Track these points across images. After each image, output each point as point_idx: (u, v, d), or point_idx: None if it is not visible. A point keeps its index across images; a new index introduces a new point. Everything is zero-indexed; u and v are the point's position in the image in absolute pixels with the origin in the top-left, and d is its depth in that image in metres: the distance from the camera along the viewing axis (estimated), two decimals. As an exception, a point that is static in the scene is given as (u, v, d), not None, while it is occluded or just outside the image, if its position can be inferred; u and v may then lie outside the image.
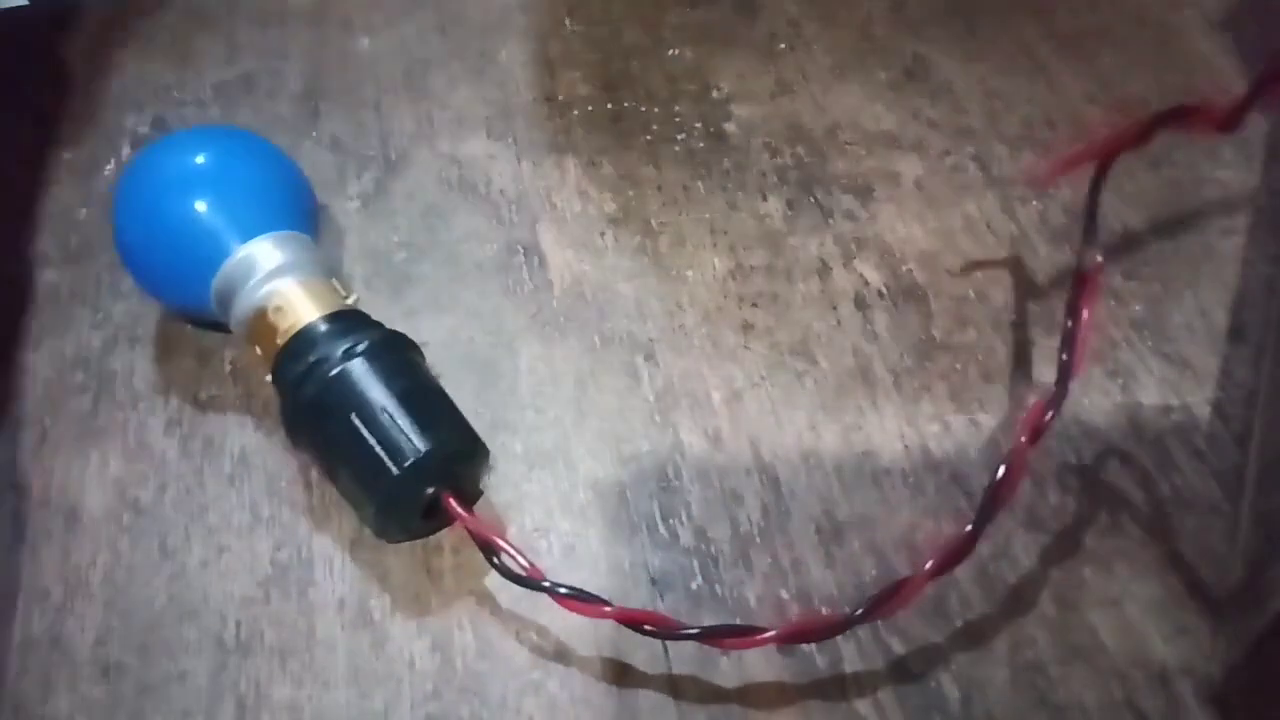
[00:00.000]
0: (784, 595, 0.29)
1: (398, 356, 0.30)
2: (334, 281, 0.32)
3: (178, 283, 0.32)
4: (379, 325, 0.31)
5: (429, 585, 0.29)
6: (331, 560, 0.30)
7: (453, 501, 0.28)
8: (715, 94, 0.41)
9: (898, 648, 0.28)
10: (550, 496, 0.31)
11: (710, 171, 0.39)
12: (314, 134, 0.40)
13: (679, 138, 0.40)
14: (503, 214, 0.38)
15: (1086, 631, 0.28)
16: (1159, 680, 0.27)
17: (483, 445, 0.30)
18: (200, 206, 0.32)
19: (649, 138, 0.40)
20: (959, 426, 0.32)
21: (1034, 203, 0.37)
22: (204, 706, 0.27)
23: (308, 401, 0.29)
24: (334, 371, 0.29)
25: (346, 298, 0.32)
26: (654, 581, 0.29)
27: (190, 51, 0.43)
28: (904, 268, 0.36)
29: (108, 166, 0.40)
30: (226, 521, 0.30)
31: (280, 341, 0.30)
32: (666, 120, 0.41)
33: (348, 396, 0.29)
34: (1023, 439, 0.27)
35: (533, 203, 0.38)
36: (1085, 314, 0.30)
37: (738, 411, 0.32)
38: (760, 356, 0.34)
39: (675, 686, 0.27)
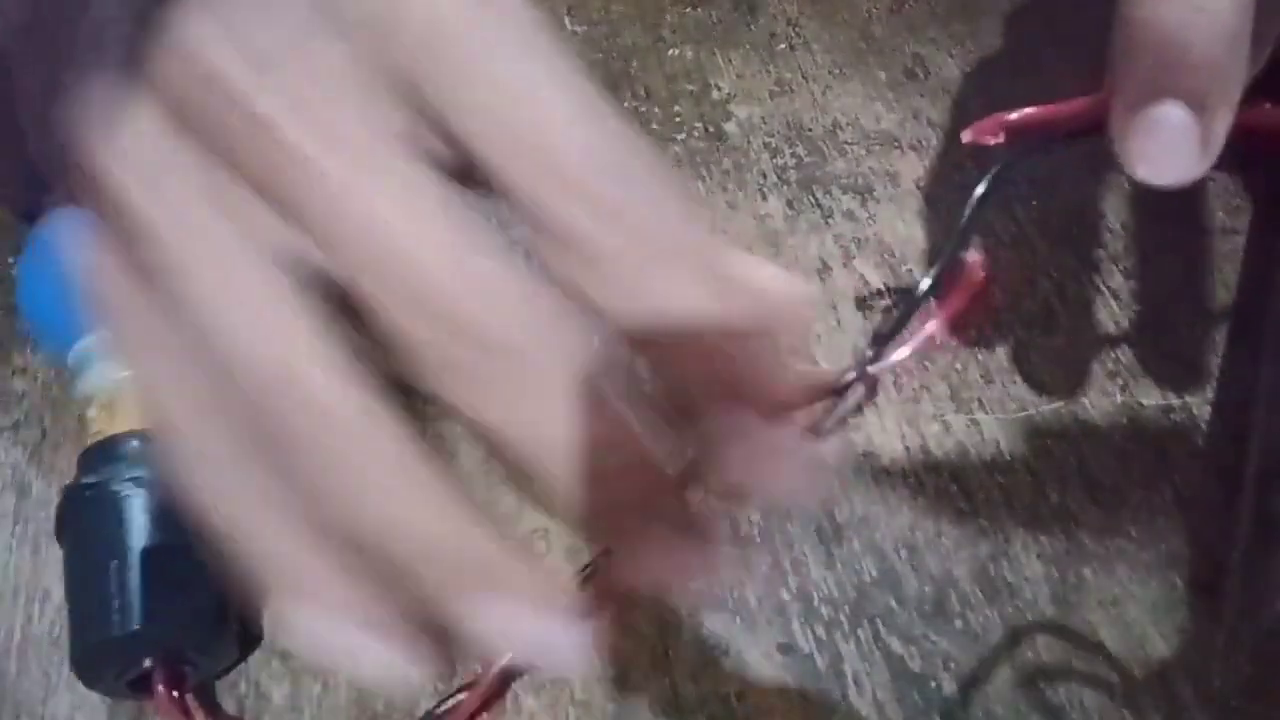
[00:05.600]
0: (784, 595, 0.29)
1: (169, 502, 0.27)
2: None
3: (50, 336, 0.31)
4: None
5: (429, 585, 0.29)
6: (331, 560, 0.30)
7: (160, 685, 0.25)
8: (715, 94, 0.41)
9: (898, 648, 0.28)
10: (550, 496, 0.31)
11: (710, 171, 0.39)
12: (314, 134, 0.40)
13: (679, 138, 0.40)
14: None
15: (1086, 631, 0.28)
16: (1159, 680, 0.27)
17: (221, 629, 0.27)
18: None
19: (649, 138, 0.40)
20: (959, 426, 0.32)
21: (1034, 202, 0.37)
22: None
23: (67, 511, 0.27)
24: (97, 494, 0.27)
25: None
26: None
27: (190, 51, 0.43)
28: (904, 268, 0.36)
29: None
30: (226, 521, 0.30)
31: (88, 441, 0.28)
32: (666, 120, 0.40)
33: (95, 526, 0.26)
34: None
35: (533, 203, 0.38)
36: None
37: (738, 411, 0.32)
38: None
39: (675, 686, 0.27)
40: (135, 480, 0.27)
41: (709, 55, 0.43)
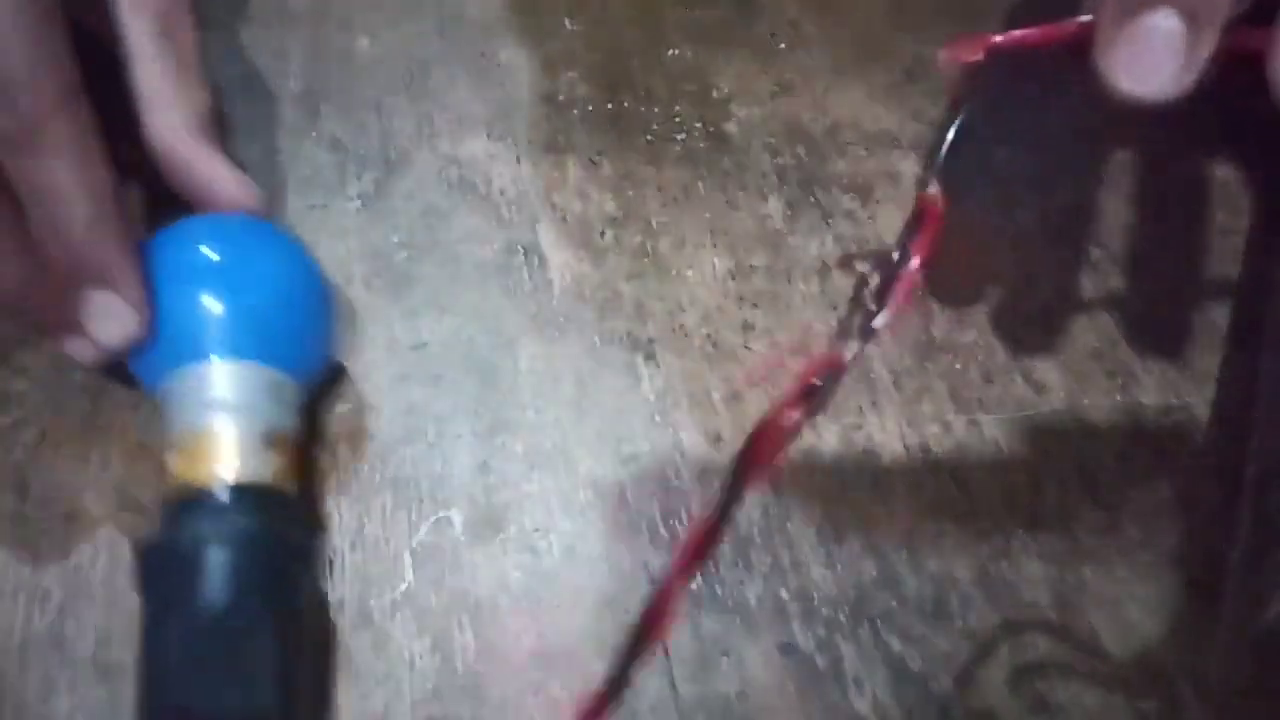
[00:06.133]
0: (784, 595, 0.29)
1: (251, 564, 0.25)
2: (275, 436, 0.28)
3: (139, 362, 0.29)
4: (269, 513, 0.26)
5: (429, 585, 0.29)
6: (331, 560, 0.30)
7: None
8: (715, 94, 0.41)
9: (897, 647, 0.28)
10: (550, 496, 0.31)
11: (710, 171, 0.39)
12: (314, 134, 0.40)
13: (679, 138, 0.40)
14: (503, 214, 0.38)
15: (1086, 631, 0.28)
16: (1159, 680, 0.27)
17: (291, 702, 0.25)
18: (195, 297, 0.28)
19: (649, 138, 0.40)
20: (959, 426, 0.32)
21: (1034, 202, 0.37)
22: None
23: (145, 565, 0.26)
24: (174, 551, 0.25)
25: (271, 463, 0.27)
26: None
27: (190, 51, 0.43)
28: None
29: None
30: (226, 521, 0.30)
31: (165, 488, 0.27)
32: (666, 120, 0.40)
33: (170, 586, 0.25)
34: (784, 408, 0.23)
35: (533, 203, 0.38)
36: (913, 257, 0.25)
37: (738, 411, 0.32)
38: (760, 356, 0.34)
39: (675, 686, 0.27)
40: (213, 538, 0.25)
41: (709, 55, 0.43)
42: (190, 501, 0.26)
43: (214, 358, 0.28)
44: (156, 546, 0.26)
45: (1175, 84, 0.23)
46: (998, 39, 0.26)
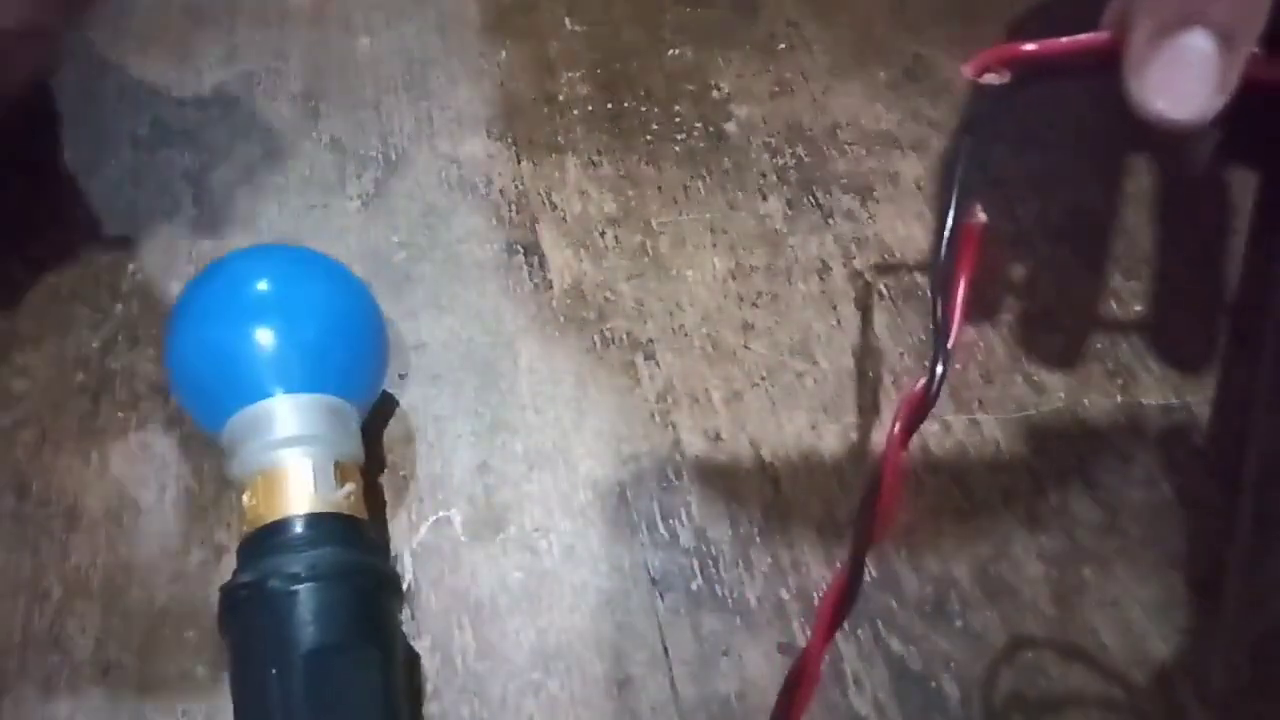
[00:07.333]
0: (784, 595, 0.29)
1: (343, 595, 0.25)
2: (344, 465, 0.27)
3: (198, 406, 0.29)
4: (352, 542, 0.26)
5: (429, 585, 0.29)
6: (331, 560, 0.30)
7: None
8: (715, 94, 0.41)
9: (898, 648, 0.28)
10: (550, 496, 0.31)
11: (710, 171, 0.39)
12: (314, 134, 0.40)
13: (679, 138, 0.40)
14: (503, 214, 0.38)
15: (1086, 631, 0.28)
16: (1159, 680, 0.27)
17: None
18: (252, 334, 0.28)
19: (649, 138, 0.40)
20: (959, 426, 0.32)
21: (1034, 202, 0.37)
22: (204, 707, 0.27)
23: (227, 610, 0.25)
24: (256, 594, 0.25)
25: (345, 491, 0.27)
26: (654, 581, 0.29)
27: (190, 51, 0.43)
28: (904, 268, 0.36)
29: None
30: (226, 522, 0.30)
31: (245, 529, 0.26)
32: (666, 120, 0.40)
33: (255, 629, 0.24)
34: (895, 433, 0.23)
35: (533, 203, 0.38)
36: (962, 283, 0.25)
37: (738, 411, 0.32)
38: (760, 356, 0.34)
39: (675, 686, 0.27)
40: (296, 575, 0.24)
41: (709, 55, 0.43)
42: (271, 539, 0.26)
43: (278, 393, 0.27)
44: (242, 588, 0.25)
45: (1210, 105, 0.22)
46: (1027, 48, 0.25)
